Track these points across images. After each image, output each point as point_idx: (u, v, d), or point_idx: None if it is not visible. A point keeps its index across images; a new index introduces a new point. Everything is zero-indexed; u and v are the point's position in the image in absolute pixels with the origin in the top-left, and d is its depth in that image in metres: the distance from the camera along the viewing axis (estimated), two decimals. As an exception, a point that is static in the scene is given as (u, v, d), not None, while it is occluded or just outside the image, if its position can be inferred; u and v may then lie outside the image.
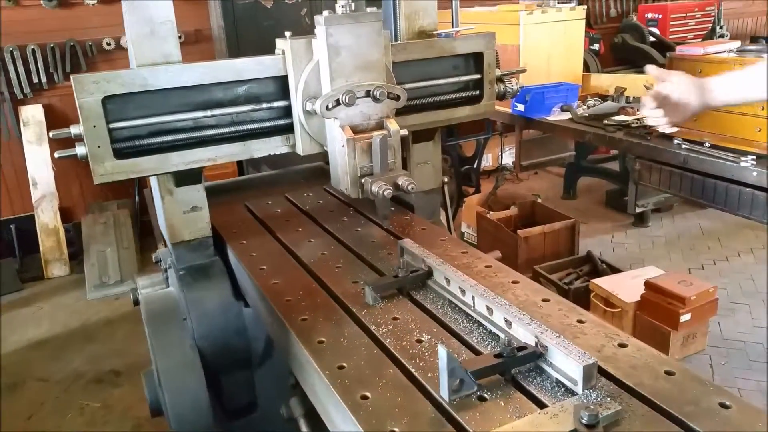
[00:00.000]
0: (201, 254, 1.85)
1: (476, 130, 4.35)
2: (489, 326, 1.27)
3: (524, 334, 1.14)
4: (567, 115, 3.23)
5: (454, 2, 1.99)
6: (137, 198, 4.73)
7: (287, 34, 1.67)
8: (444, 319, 1.33)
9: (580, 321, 1.27)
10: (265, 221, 2.05)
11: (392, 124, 1.65)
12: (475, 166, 4.65)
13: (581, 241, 3.94)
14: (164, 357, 1.70)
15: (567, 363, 1.04)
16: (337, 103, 1.60)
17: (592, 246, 3.99)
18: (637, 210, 4.46)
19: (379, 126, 1.66)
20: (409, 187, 1.58)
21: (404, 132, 1.67)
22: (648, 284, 3.01)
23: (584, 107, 3.31)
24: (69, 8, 4.53)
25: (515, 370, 1.10)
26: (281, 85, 1.71)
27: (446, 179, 2.23)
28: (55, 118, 4.47)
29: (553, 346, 1.07)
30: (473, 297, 1.31)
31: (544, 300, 1.37)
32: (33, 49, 4.35)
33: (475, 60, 1.96)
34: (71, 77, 1.47)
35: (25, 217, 4.48)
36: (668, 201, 4.68)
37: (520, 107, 3.22)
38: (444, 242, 1.75)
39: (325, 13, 1.57)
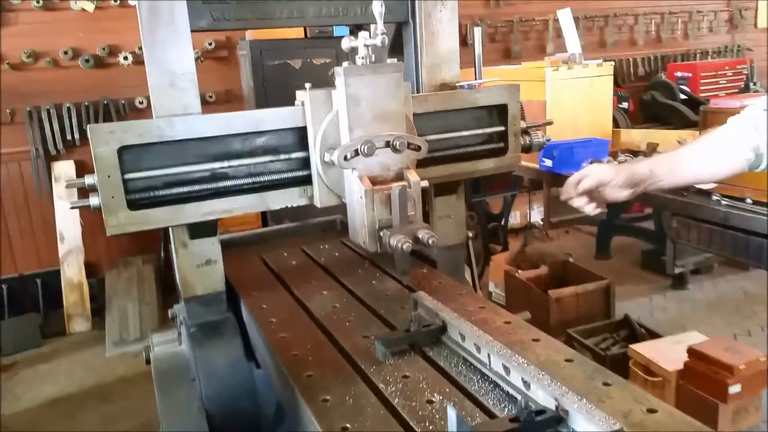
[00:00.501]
0: (213, 310, 1.78)
1: (502, 187, 4.28)
2: (506, 387, 1.17)
3: (544, 396, 1.04)
4: (597, 172, 3.14)
5: (477, 55, 1.96)
6: (162, 253, 4.73)
7: (307, 85, 1.65)
8: (458, 378, 1.26)
9: (605, 384, 1.15)
10: (280, 274, 1.99)
11: (412, 175, 1.58)
12: (502, 223, 4.56)
13: (617, 303, 3.75)
14: (171, 419, 1.62)
15: (590, 429, 0.95)
16: (356, 153, 1.55)
17: (629, 309, 3.79)
18: (676, 271, 4.26)
19: (399, 177, 1.59)
20: (430, 241, 1.50)
21: (425, 183, 1.60)
22: (691, 351, 2.80)
23: (615, 163, 3.21)
24: (105, 68, 4.71)
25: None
26: (299, 136, 1.67)
27: (471, 235, 2.14)
28: (86, 174, 4.55)
29: (575, 410, 0.98)
30: (489, 354, 1.22)
31: (567, 360, 1.26)
32: (68, 108, 4.50)
33: (500, 112, 1.91)
34: (88, 127, 1.46)
35: (50, 272, 4.51)
36: (708, 262, 4.48)
37: (548, 162, 3.15)
38: (462, 296, 1.67)
39: (345, 64, 1.54)
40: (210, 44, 4.93)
